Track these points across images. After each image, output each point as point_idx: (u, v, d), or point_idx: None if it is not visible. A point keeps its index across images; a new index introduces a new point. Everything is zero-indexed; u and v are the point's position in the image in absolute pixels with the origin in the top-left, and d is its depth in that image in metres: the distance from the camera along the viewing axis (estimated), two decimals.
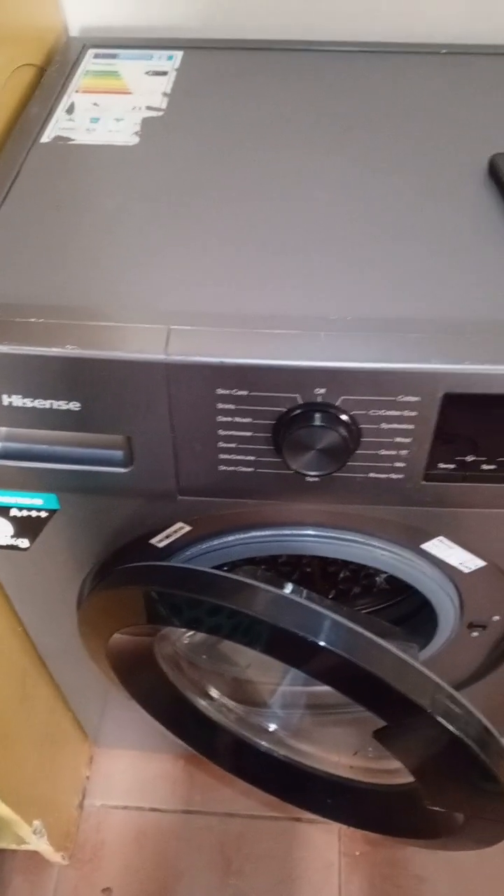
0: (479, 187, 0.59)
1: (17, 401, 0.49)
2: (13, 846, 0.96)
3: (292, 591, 0.57)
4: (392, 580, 0.92)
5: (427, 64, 0.73)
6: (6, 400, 0.49)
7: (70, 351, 0.47)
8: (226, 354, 0.47)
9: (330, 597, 0.93)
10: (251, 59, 0.75)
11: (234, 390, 0.48)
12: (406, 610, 0.84)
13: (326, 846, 1.06)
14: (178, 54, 0.76)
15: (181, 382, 0.48)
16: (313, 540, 0.62)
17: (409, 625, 0.80)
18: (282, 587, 0.64)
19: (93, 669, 0.79)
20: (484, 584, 0.65)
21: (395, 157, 0.62)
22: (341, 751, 0.84)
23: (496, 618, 0.70)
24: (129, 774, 1.13)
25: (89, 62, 0.75)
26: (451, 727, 0.52)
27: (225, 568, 0.67)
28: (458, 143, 0.63)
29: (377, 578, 0.93)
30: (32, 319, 0.48)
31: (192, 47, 0.76)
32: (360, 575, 0.94)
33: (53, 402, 0.49)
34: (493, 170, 0.59)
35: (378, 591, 0.92)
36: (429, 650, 0.74)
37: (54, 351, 0.47)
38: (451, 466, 0.51)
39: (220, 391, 0.48)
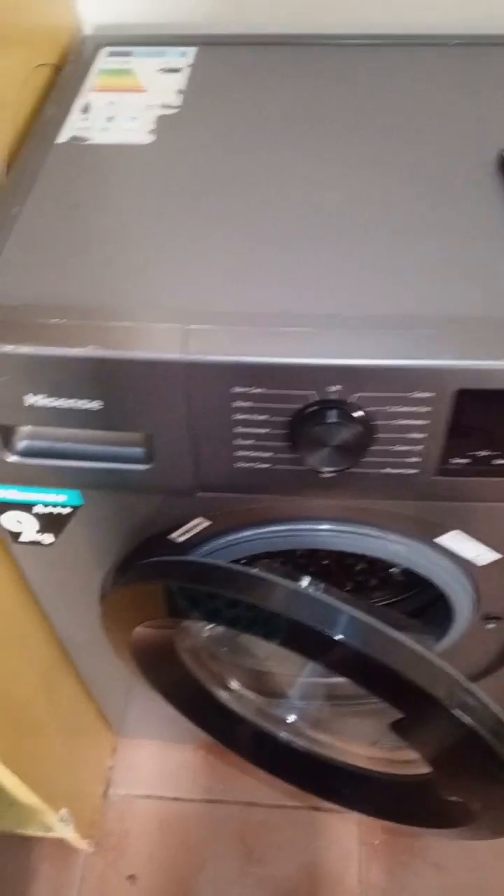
0: (489, 182, 0.59)
1: (41, 400, 0.50)
2: (40, 833, 0.98)
3: (310, 586, 0.58)
4: (408, 573, 0.92)
5: (438, 56, 0.73)
6: (30, 400, 0.50)
7: (92, 351, 0.48)
8: (242, 353, 0.48)
9: (347, 589, 0.94)
10: (262, 54, 0.75)
11: (251, 388, 0.49)
12: (422, 602, 0.85)
13: (346, 835, 1.08)
14: (191, 51, 0.76)
15: (199, 381, 0.49)
16: (330, 534, 0.63)
17: (425, 617, 0.81)
18: (299, 581, 0.65)
19: (115, 661, 0.80)
20: (499, 576, 0.66)
21: (407, 153, 0.62)
22: (360, 741, 0.85)
23: None
24: (152, 764, 1.15)
25: (103, 61, 0.76)
26: (466, 719, 0.52)
27: (243, 561, 0.68)
28: (469, 138, 0.63)
29: (393, 571, 0.93)
30: (54, 321, 0.49)
31: (205, 44, 0.77)
32: (377, 567, 0.94)
33: (76, 401, 0.50)
34: (502, 164, 0.59)
35: (395, 583, 0.92)
36: (445, 642, 0.75)
37: (76, 351, 0.48)
38: (465, 461, 0.52)
39: (236, 389, 0.49)
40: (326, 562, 0.96)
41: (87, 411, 0.51)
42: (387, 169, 0.61)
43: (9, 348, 0.48)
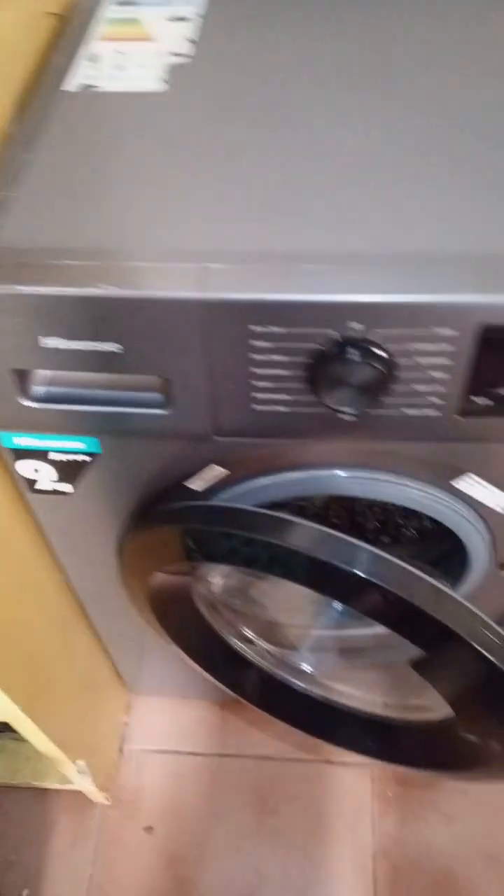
0: None
1: (60, 343, 0.50)
2: (58, 786, 1.00)
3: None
4: (420, 529, 0.93)
5: None
6: (45, 342, 0.50)
7: (107, 291, 0.47)
8: (261, 291, 0.47)
9: None
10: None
11: (269, 327, 0.49)
12: (434, 555, 0.85)
13: (359, 787, 1.09)
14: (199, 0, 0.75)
15: (216, 321, 0.49)
16: (346, 480, 0.63)
17: (440, 568, 0.81)
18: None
19: (131, 618, 0.81)
20: None
21: (426, 94, 0.61)
22: (374, 692, 0.86)
23: None
24: (166, 720, 1.16)
25: (109, 10, 0.75)
26: (488, 655, 0.53)
27: None
28: (493, 78, 0.62)
29: (405, 530, 0.94)
30: (69, 262, 0.49)
31: None
32: (388, 525, 0.95)
33: (93, 343, 0.50)
34: None
35: (406, 539, 0.93)
36: (461, 591, 0.75)
37: (91, 291, 0.48)
38: (487, 400, 0.52)
39: (254, 328, 0.49)
40: (337, 521, 0.96)
41: (104, 354, 0.51)
42: (412, 112, 0.59)
43: (24, 289, 0.48)
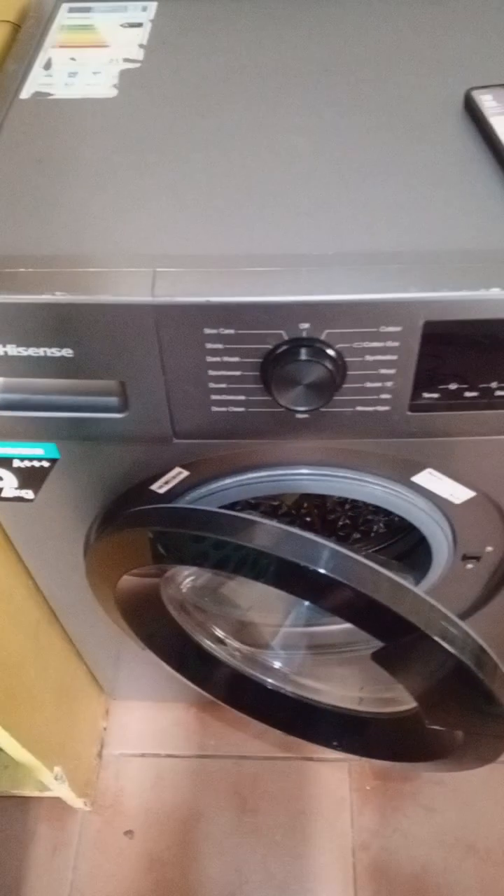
0: (455, 122, 0.59)
1: (12, 350, 0.50)
2: (36, 793, 1.00)
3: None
4: (389, 524, 0.94)
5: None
6: (1, 350, 0.50)
7: (59, 297, 0.48)
8: (211, 293, 0.48)
9: None
10: (225, 6, 0.74)
11: (221, 329, 0.49)
12: (402, 549, 0.87)
13: (338, 782, 1.10)
14: (153, 5, 0.75)
15: (169, 324, 0.49)
16: (308, 478, 0.64)
17: (406, 562, 0.82)
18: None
19: (104, 623, 0.81)
20: (476, 515, 0.67)
21: (374, 97, 0.62)
22: (347, 687, 0.87)
23: (489, 548, 0.72)
24: (145, 724, 1.16)
25: (64, 17, 0.75)
26: (446, 645, 0.54)
27: None
28: (434, 80, 0.63)
29: (375, 526, 0.95)
30: (21, 269, 0.50)
31: None
32: (359, 521, 0.96)
33: (47, 349, 0.50)
34: (468, 104, 0.60)
35: (375, 534, 0.94)
36: (425, 583, 0.76)
37: (43, 298, 0.48)
38: (436, 395, 0.53)
39: (207, 331, 0.49)
40: (309, 519, 0.97)
41: (59, 360, 0.51)
42: (353, 113, 0.60)
43: None
